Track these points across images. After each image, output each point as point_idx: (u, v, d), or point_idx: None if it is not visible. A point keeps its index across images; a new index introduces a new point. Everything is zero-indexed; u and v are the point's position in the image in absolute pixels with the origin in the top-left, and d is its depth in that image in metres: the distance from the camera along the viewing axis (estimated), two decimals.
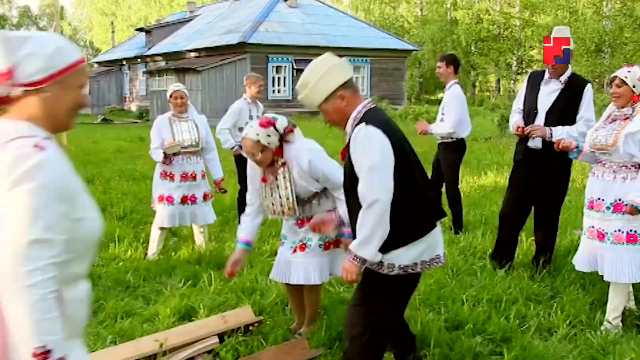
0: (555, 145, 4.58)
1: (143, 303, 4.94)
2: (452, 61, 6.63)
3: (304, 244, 4.04)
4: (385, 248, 2.96)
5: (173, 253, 6.15)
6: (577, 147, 4.47)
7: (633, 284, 4.50)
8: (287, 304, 4.65)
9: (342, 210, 3.59)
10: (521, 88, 5.55)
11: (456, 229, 6.66)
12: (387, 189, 2.88)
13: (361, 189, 2.92)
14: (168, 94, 6.12)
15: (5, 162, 1.69)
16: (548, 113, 5.14)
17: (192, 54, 31.73)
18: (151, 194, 6.37)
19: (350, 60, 30.61)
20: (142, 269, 5.61)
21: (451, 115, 6.54)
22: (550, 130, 5.04)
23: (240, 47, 27.83)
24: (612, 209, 4.26)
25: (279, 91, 29.23)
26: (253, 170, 4.10)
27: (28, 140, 1.74)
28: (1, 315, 1.70)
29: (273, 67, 28.79)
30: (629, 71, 4.32)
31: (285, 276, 4.09)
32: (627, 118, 4.26)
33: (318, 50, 29.24)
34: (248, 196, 4.18)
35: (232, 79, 27.58)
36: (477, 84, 46.56)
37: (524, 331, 4.17)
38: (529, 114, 5.25)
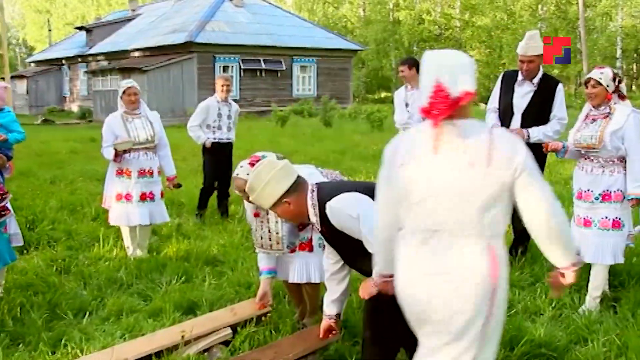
0: (544, 148, 4.91)
1: (141, 300, 5.02)
2: (415, 63, 6.95)
3: (303, 243, 4.18)
4: None
5: (155, 253, 6.20)
6: (563, 147, 4.82)
7: (609, 270, 4.86)
8: (284, 296, 4.82)
9: None
10: (495, 87, 5.87)
11: None
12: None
13: (371, 245, 3.06)
14: (120, 91, 6.07)
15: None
16: (524, 114, 5.50)
17: (137, 54, 31.25)
18: (103, 194, 6.36)
19: (296, 60, 30.92)
20: (133, 267, 5.67)
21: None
22: (527, 132, 5.40)
23: (187, 47, 27.61)
24: (600, 199, 4.64)
25: None
26: (248, 208, 4.19)
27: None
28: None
29: (220, 66, 28.66)
30: (601, 73, 4.67)
31: (285, 274, 4.24)
32: (607, 117, 4.62)
33: (265, 50, 29.43)
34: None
35: (178, 78, 27.38)
36: None
37: (512, 315, 4.45)
38: (505, 114, 5.59)
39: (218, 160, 7.74)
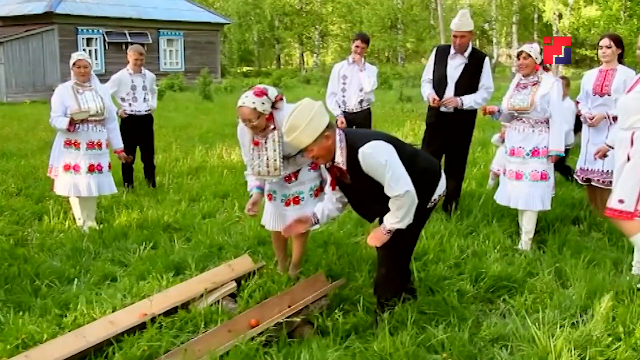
0: (482, 111, 5.63)
1: (117, 266, 5.13)
2: (369, 40, 7.50)
3: (297, 197, 4.56)
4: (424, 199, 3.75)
5: (106, 223, 6.26)
6: (498, 111, 5.56)
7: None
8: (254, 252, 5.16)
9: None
10: (429, 60, 6.54)
11: None
12: (408, 179, 3.59)
13: (392, 189, 3.55)
14: (71, 62, 6.06)
15: None
16: (457, 84, 6.19)
17: None
18: (49, 163, 6.35)
19: (162, 33, 30.23)
20: (96, 237, 5.72)
21: (371, 83, 7.57)
22: (461, 100, 6.11)
23: (47, 18, 26.07)
24: (530, 154, 5.42)
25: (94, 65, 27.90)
26: (242, 137, 4.49)
27: None
28: None
29: (83, 39, 27.41)
30: (531, 47, 5.46)
31: (277, 225, 4.57)
32: (536, 84, 5.40)
33: (130, 22, 28.51)
34: (245, 157, 4.61)
35: (39, 51, 25.84)
36: (281, 57, 48.04)
37: (466, 258, 5.14)
38: (440, 84, 6.26)
39: (138, 132, 7.74)
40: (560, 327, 3.80)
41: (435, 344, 3.65)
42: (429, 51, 42.57)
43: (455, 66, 6.20)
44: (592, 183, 6.18)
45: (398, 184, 3.55)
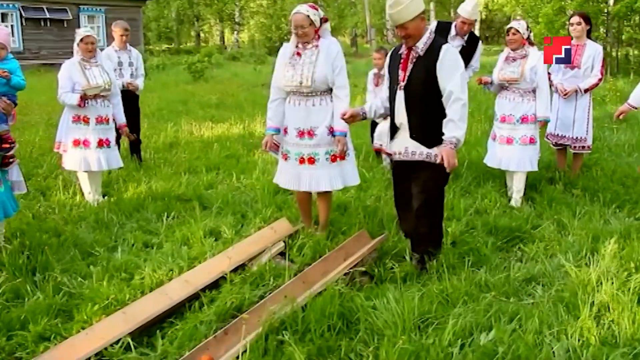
0: (477, 81, 6.21)
1: (148, 235, 5.34)
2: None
3: (312, 157, 4.82)
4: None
5: (114, 197, 6.40)
6: (491, 82, 6.13)
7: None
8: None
9: (338, 107, 4.67)
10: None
11: None
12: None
13: (455, 91, 4.04)
14: (78, 39, 6.16)
15: None
16: None
17: None
18: (56, 139, 6.45)
19: (82, 9, 29.27)
20: (116, 209, 5.88)
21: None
22: None
23: None
24: (520, 121, 6.01)
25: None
26: (284, 54, 4.82)
27: None
28: None
29: None
30: (519, 23, 6.04)
31: (296, 184, 4.89)
32: (524, 57, 5.99)
33: None
34: (275, 85, 4.89)
35: None
36: (201, 34, 47.35)
37: (475, 214, 5.69)
38: None
39: (125, 108, 7.82)
40: (577, 266, 4.40)
41: (482, 284, 4.15)
42: (349, 28, 43.35)
43: (454, 46, 6.73)
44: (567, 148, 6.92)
45: (464, 91, 4.07)
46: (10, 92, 4.89)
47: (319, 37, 4.75)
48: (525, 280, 4.32)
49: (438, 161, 4.06)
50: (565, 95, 6.68)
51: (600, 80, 6.75)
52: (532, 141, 6.07)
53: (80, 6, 29.11)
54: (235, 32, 43.80)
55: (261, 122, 10.83)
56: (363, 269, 4.24)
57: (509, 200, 6.18)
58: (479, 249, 4.72)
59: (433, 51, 4.13)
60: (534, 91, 6.00)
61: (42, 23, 27.59)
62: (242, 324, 3.37)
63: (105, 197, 6.37)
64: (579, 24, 6.69)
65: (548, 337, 3.36)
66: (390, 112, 4.44)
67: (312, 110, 4.76)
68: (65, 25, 28.48)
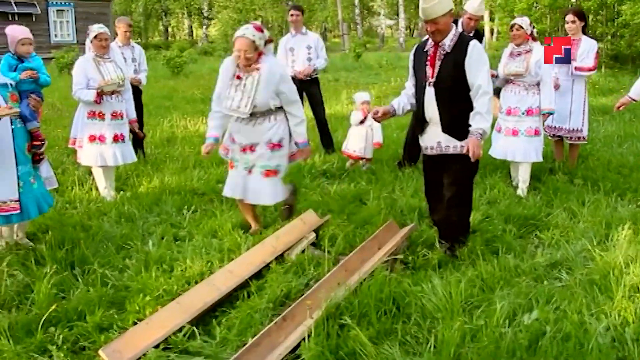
0: None
1: (176, 228, 5.42)
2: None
3: (252, 170, 4.98)
4: None
5: (126, 192, 6.45)
6: (497, 76, 6.35)
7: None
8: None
9: (292, 123, 4.89)
10: None
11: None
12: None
13: (483, 85, 4.24)
14: (92, 35, 6.20)
15: None
16: None
17: None
18: (71, 135, 6.50)
19: (51, 3, 28.82)
20: (136, 204, 5.94)
21: (324, 53, 8.38)
22: None
23: None
24: (526, 114, 6.26)
25: None
26: (226, 70, 4.89)
27: None
28: None
29: None
30: (522, 20, 6.30)
31: (243, 194, 5.01)
32: (529, 52, 6.23)
33: None
34: (216, 99, 4.98)
35: None
36: (169, 29, 46.91)
37: (486, 204, 5.91)
38: None
39: None
40: (603, 251, 4.63)
41: (513, 270, 4.37)
42: (320, 21, 43.47)
43: None
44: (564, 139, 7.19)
45: (490, 85, 4.27)
46: (37, 90, 4.94)
47: (260, 55, 4.79)
48: (549, 265, 4.55)
49: (464, 151, 4.27)
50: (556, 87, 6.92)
51: (591, 69, 7.03)
52: (537, 133, 6.32)
53: (49, 0, 28.66)
54: (204, 27, 43.49)
55: None
56: (401, 256, 4.41)
57: (515, 190, 6.42)
58: (502, 237, 4.93)
59: (461, 47, 4.32)
60: (537, 84, 6.24)
61: (10, 17, 27.06)
62: (301, 310, 3.51)
63: (122, 193, 6.41)
64: (573, 22, 7.01)
65: (588, 317, 3.58)
66: (419, 108, 4.61)
67: (254, 129, 4.92)
68: (34, 20, 28.05)
